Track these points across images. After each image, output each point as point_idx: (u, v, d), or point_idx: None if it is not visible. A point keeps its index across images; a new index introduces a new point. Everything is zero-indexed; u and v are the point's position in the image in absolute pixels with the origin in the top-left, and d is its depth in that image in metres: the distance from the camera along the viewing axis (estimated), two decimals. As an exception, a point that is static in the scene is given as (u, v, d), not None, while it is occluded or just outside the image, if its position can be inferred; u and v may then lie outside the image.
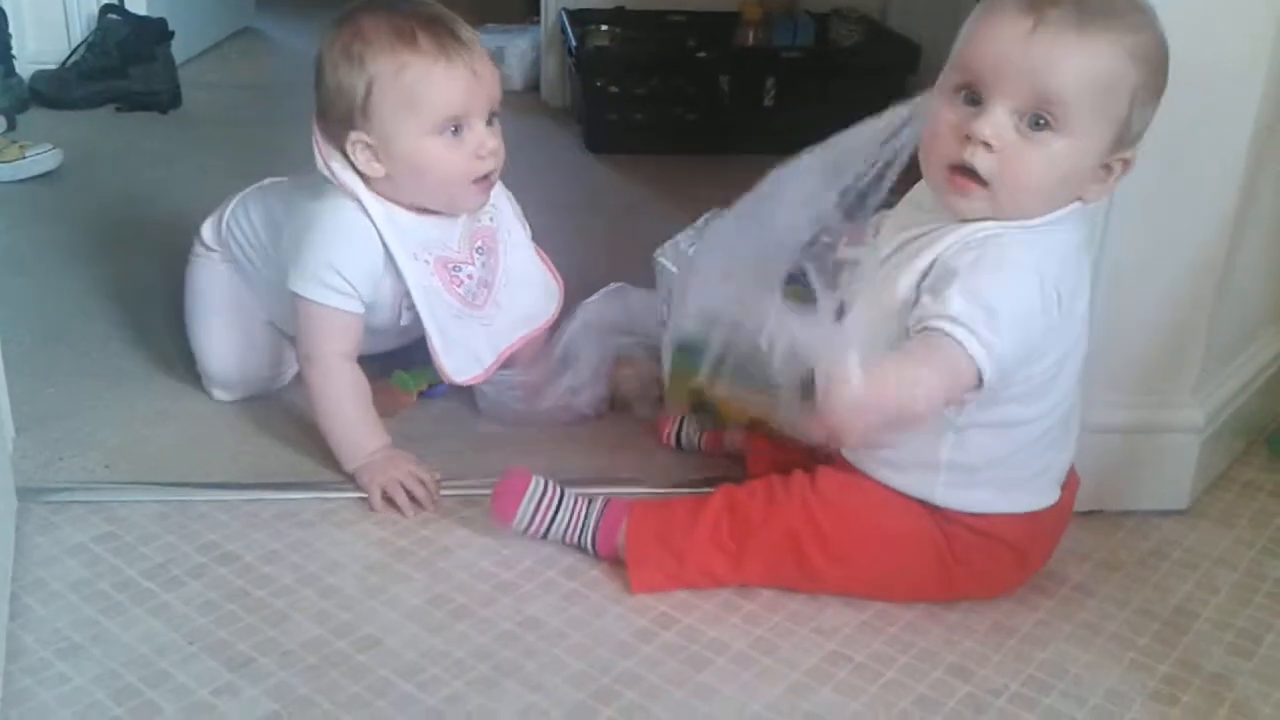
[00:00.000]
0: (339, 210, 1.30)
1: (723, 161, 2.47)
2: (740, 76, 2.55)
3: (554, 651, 1.07)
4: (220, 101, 2.83)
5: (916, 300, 1.02)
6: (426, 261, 1.32)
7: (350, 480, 1.30)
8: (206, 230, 1.49)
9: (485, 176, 1.31)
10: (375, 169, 1.29)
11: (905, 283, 1.03)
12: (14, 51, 2.62)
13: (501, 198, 1.41)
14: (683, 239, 1.40)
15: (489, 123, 1.30)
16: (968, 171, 1.00)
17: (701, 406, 1.37)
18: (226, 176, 1.55)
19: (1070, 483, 1.16)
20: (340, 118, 1.28)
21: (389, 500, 1.26)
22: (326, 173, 1.30)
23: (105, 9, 2.75)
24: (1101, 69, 0.97)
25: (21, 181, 2.16)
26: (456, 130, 1.28)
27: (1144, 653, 1.11)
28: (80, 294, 1.74)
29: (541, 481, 1.19)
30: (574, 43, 2.63)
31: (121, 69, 2.67)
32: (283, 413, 1.43)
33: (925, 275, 1.03)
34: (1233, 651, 1.12)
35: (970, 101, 1.00)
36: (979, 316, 0.97)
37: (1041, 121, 0.98)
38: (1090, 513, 1.26)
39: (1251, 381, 1.41)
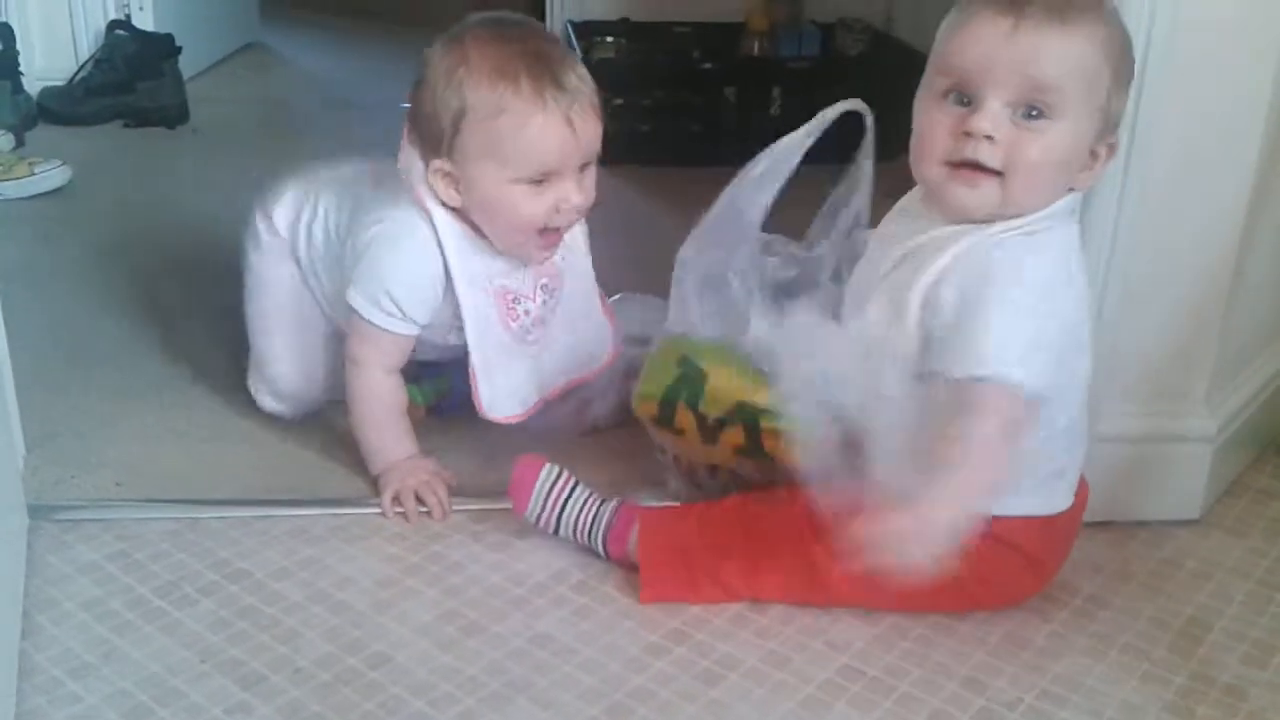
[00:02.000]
0: (405, 235, 1.27)
1: (730, 172, 2.47)
2: (746, 87, 2.55)
3: (565, 667, 1.07)
4: (228, 116, 2.83)
5: (927, 316, 1.02)
6: (487, 290, 1.30)
7: (370, 490, 1.31)
8: (280, 215, 1.41)
9: (556, 229, 1.28)
10: (452, 197, 1.25)
11: (916, 294, 1.03)
12: (22, 68, 2.63)
13: (578, 235, 1.38)
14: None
15: (582, 171, 1.26)
16: (972, 165, 1.02)
17: (666, 419, 1.22)
18: (235, 190, 1.55)
19: (1080, 491, 1.15)
20: (429, 138, 1.24)
21: (398, 506, 1.27)
22: (405, 184, 1.28)
23: (113, 25, 2.76)
24: (1084, 56, 1.00)
25: (30, 198, 2.17)
26: (543, 180, 1.23)
27: (1158, 664, 1.10)
28: (90, 310, 1.74)
29: (554, 470, 1.20)
30: (579, 54, 2.63)
31: (129, 85, 2.68)
32: (293, 429, 1.43)
33: (932, 289, 1.03)
34: (1247, 662, 1.11)
35: (960, 102, 1.02)
36: (1014, 351, 0.98)
37: (1035, 111, 1.00)
38: (1103, 523, 1.26)
39: (1263, 390, 1.40)
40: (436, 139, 1.24)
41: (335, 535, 1.24)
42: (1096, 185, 1.14)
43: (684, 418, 1.18)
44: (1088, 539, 1.20)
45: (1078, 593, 1.19)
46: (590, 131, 1.24)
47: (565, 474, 1.21)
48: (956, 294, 1.01)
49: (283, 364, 1.43)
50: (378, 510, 1.28)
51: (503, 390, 1.33)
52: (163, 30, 2.82)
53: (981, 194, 1.02)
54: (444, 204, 1.27)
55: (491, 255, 1.30)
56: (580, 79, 1.24)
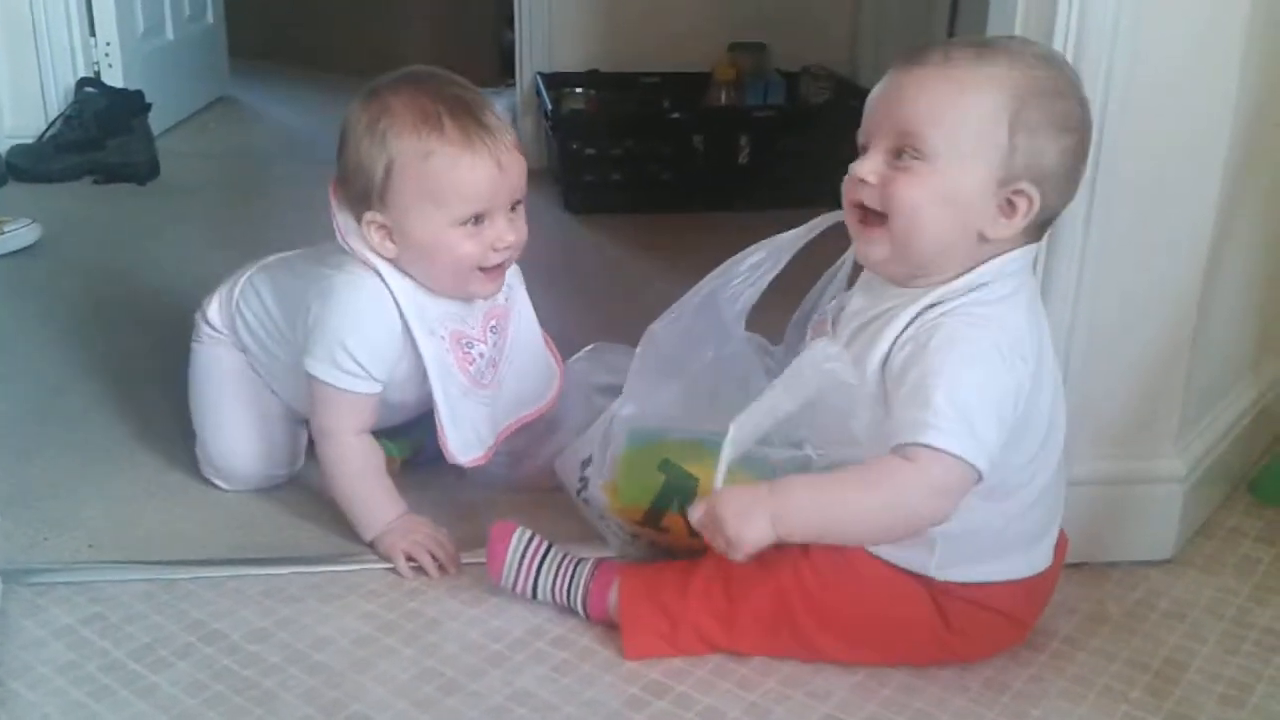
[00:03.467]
0: (358, 286, 1.28)
1: (700, 219, 2.50)
2: (714, 136, 2.58)
3: (546, 723, 1.06)
4: (198, 171, 2.84)
5: (887, 385, 1.04)
6: (443, 337, 1.31)
7: (346, 547, 1.30)
8: (213, 311, 1.45)
9: (497, 266, 1.30)
10: (388, 249, 1.27)
11: (873, 365, 1.05)
12: (-10, 126, 2.63)
13: (515, 276, 1.40)
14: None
15: (513, 210, 1.28)
16: (866, 213, 1.06)
17: (652, 522, 1.17)
18: (207, 247, 1.56)
19: (1060, 544, 1.16)
20: (358, 194, 1.26)
21: (412, 562, 1.26)
22: (345, 245, 1.29)
23: (82, 82, 2.77)
24: (960, 98, 1.01)
25: (0, 257, 2.16)
26: (477, 221, 1.26)
27: (1136, 705, 1.11)
28: (61, 369, 1.73)
29: (525, 535, 1.20)
30: (549, 106, 2.66)
31: (99, 141, 2.69)
32: (266, 489, 1.43)
33: (886, 359, 1.05)
34: (1224, 702, 1.12)
35: (863, 153, 1.07)
36: (952, 416, 0.98)
37: (908, 154, 1.03)
38: (1076, 565, 1.27)
39: (1231, 429, 1.42)
40: (366, 192, 1.25)
41: (311, 594, 1.24)
42: (1059, 232, 1.16)
43: (672, 519, 1.15)
44: (1062, 581, 1.20)
45: (1054, 635, 1.20)
46: (516, 168, 1.27)
47: (537, 539, 1.20)
48: (905, 363, 1.03)
49: (230, 445, 1.42)
50: (352, 568, 1.28)
51: (468, 434, 1.35)
52: (132, 86, 2.83)
53: (876, 244, 1.06)
54: (384, 257, 1.28)
55: (439, 301, 1.31)
56: (499, 119, 1.27)
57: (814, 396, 1.03)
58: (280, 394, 1.44)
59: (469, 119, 1.24)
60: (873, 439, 1.03)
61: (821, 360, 1.03)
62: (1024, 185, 1.02)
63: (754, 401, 1.05)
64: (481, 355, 1.35)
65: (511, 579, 1.19)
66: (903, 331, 1.04)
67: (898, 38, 2.74)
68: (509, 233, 1.27)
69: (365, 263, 1.28)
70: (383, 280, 1.28)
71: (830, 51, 2.85)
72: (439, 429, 1.32)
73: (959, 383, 0.99)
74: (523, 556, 1.19)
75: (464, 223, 1.25)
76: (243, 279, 1.45)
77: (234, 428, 1.42)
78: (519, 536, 1.20)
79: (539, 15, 2.81)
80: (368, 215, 1.26)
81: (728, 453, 1.03)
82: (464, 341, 1.34)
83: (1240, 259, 1.34)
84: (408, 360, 1.31)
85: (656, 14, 2.83)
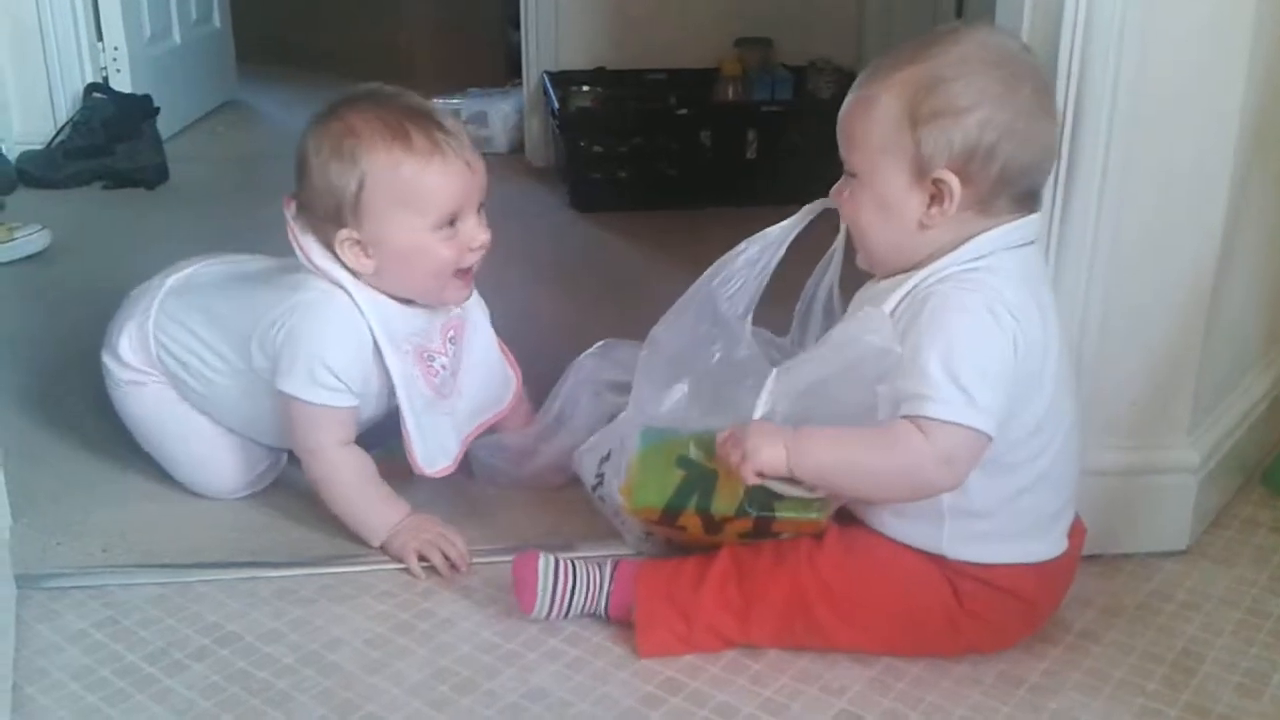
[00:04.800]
0: (326, 304, 1.29)
1: (707, 215, 2.50)
2: (721, 132, 2.58)
3: (561, 722, 1.06)
4: (207, 175, 2.84)
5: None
6: (407, 351, 1.32)
7: (357, 548, 1.30)
8: (126, 352, 1.41)
9: (469, 269, 1.32)
10: (365, 264, 1.28)
11: None
12: (1, 133, 2.63)
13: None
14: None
15: (479, 212, 1.30)
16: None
17: (669, 521, 1.16)
18: (216, 251, 1.55)
19: (1076, 531, 1.16)
20: (328, 214, 1.27)
21: (425, 561, 1.26)
22: (309, 266, 1.29)
23: (90, 88, 2.77)
24: (867, 115, 1.08)
25: (10, 263, 2.17)
26: (452, 223, 1.27)
27: (1153, 698, 1.10)
28: (73, 375, 1.73)
29: (551, 563, 1.18)
30: (556, 104, 2.66)
31: (108, 147, 2.69)
32: (278, 489, 1.43)
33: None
34: (1241, 693, 1.11)
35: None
36: (949, 386, 1.01)
37: (850, 175, 1.11)
38: (1091, 557, 1.26)
39: (1244, 419, 1.41)
40: (337, 210, 1.26)
41: (324, 595, 1.24)
42: (1071, 225, 1.17)
43: (689, 518, 1.14)
44: (1077, 573, 1.20)
45: (1070, 628, 1.19)
46: (481, 168, 1.30)
47: (563, 563, 1.18)
48: (902, 333, 1.05)
49: (198, 473, 1.41)
50: (364, 569, 1.28)
51: (434, 446, 1.35)
52: (140, 91, 2.83)
53: (859, 252, 1.14)
54: (352, 273, 1.28)
55: (405, 315, 1.32)
56: (457, 123, 1.30)
57: (855, 362, 1.06)
58: (228, 422, 1.40)
59: (432, 125, 1.26)
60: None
61: (867, 329, 1.06)
62: (940, 174, 1.05)
63: (798, 360, 1.11)
64: (444, 367, 1.36)
65: (545, 609, 1.17)
66: (895, 308, 1.08)
67: (904, 31, 2.73)
68: (481, 232, 1.30)
69: (334, 281, 1.29)
70: (351, 297, 1.29)
71: (836, 46, 2.84)
72: (406, 443, 1.32)
73: (953, 350, 1.02)
74: (554, 586, 1.17)
75: (440, 226, 1.27)
76: (152, 309, 1.41)
77: (195, 456, 1.41)
78: (545, 564, 1.17)
79: (545, 14, 2.81)
80: (341, 234, 1.26)
81: (765, 399, 1.08)
82: (426, 355, 1.34)
83: (1252, 250, 1.33)
84: (377, 375, 1.31)
85: (662, 11, 2.83)
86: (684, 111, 2.64)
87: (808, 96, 2.77)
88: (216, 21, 3.52)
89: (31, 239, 2.21)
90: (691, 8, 2.84)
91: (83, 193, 2.66)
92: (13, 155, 2.68)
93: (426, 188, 1.25)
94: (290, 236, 1.31)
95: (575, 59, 2.83)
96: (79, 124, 2.71)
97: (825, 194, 1.16)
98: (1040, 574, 1.12)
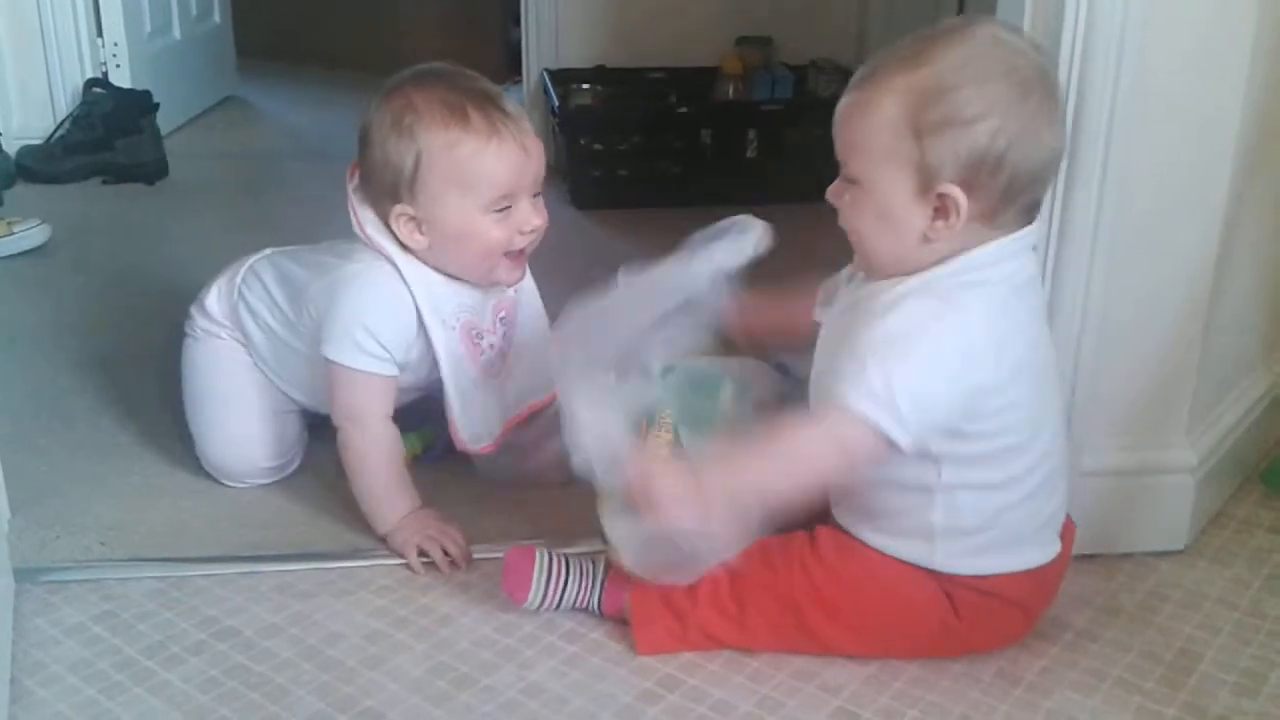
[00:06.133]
0: (374, 274, 1.30)
1: (707, 214, 2.47)
2: (721, 130, 2.58)
3: (558, 718, 1.06)
4: (207, 171, 2.84)
5: None
6: (454, 328, 1.33)
7: (358, 543, 1.30)
8: (213, 302, 1.45)
9: (521, 251, 1.33)
10: (418, 240, 1.29)
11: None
12: (0, 128, 2.63)
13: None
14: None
15: (535, 196, 1.31)
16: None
17: None
18: (216, 246, 1.56)
19: (1067, 531, 1.16)
20: (385, 188, 1.28)
21: (425, 556, 1.26)
22: (363, 236, 1.31)
23: (90, 83, 2.77)
24: (866, 120, 1.03)
25: (9, 258, 2.17)
26: (504, 206, 1.28)
27: (1150, 697, 1.10)
28: (71, 369, 1.73)
29: (545, 557, 1.18)
30: (556, 102, 2.66)
31: (107, 142, 2.69)
32: (277, 483, 1.43)
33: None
34: (1237, 692, 1.11)
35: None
36: (877, 384, 0.99)
37: (851, 178, 1.06)
38: (1089, 556, 1.26)
39: (1243, 419, 1.42)
40: (394, 186, 1.27)
41: (323, 590, 1.24)
42: (1070, 226, 1.17)
43: None
44: (1075, 572, 1.20)
45: (1068, 627, 1.19)
46: (539, 153, 1.30)
47: (556, 557, 1.19)
48: (853, 328, 1.04)
49: (229, 441, 1.42)
50: (364, 564, 1.28)
51: (477, 423, 1.36)
52: (140, 87, 2.83)
53: (856, 256, 1.10)
54: (404, 248, 1.29)
55: (453, 291, 1.33)
56: (518, 107, 1.31)
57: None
58: (285, 384, 1.44)
59: (492, 108, 1.26)
60: None
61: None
62: (945, 188, 1.01)
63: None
64: (491, 346, 1.37)
65: (538, 602, 1.18)
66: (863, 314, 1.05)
67: (905, 30, 2.73)
68: (535, 216, 1.30)
69: (381, 253, 1.30)
70: (398, 270, 1.30)
71: (837, 45, 2.84)
72: (450, 418, 1.34)
73: (903, 356, 0.99)
74: (548, 580, 1.18)
75: (493, 208, 1.27)
76: (244, 267, 1.46)
77: (233, 424, 1.42)
78: (540, 560, 1.18)
79: (545, 12, 2.81)
80: (397, 209, 1.28)
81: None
82: (474, 333, 1.35)
83: (1251, 251, 1.33)
84: (418, 347, 1.32)
85: (663, 9, 2.83)
86: (684, 110, 2.64)
87: (808, 95, 2.76)
88: (217, 17, 3.52)
89: (30, 234, 2.21)
90: (692, 6, 2.84)
91: (82, 188, 2.66)
92: (12, 150, 2.67)
93: (481, 169, 1.25)
94: (350, 206, 1.32)
95: (576, 57, 2.83)
96: (79, 119, 2.71)
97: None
98: (1034, 579, 1.12)
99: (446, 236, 1.28)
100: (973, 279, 1.03)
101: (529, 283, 1.43)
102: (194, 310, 1.48)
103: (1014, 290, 1.05)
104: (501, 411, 1.39)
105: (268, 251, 1.48)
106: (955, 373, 1.01)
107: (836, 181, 1.08)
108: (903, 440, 1.00)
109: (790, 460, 1.03)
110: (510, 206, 1.28)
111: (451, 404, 1.33)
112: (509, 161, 1.26)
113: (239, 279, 1.45)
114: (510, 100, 1.30)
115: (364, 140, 1.29)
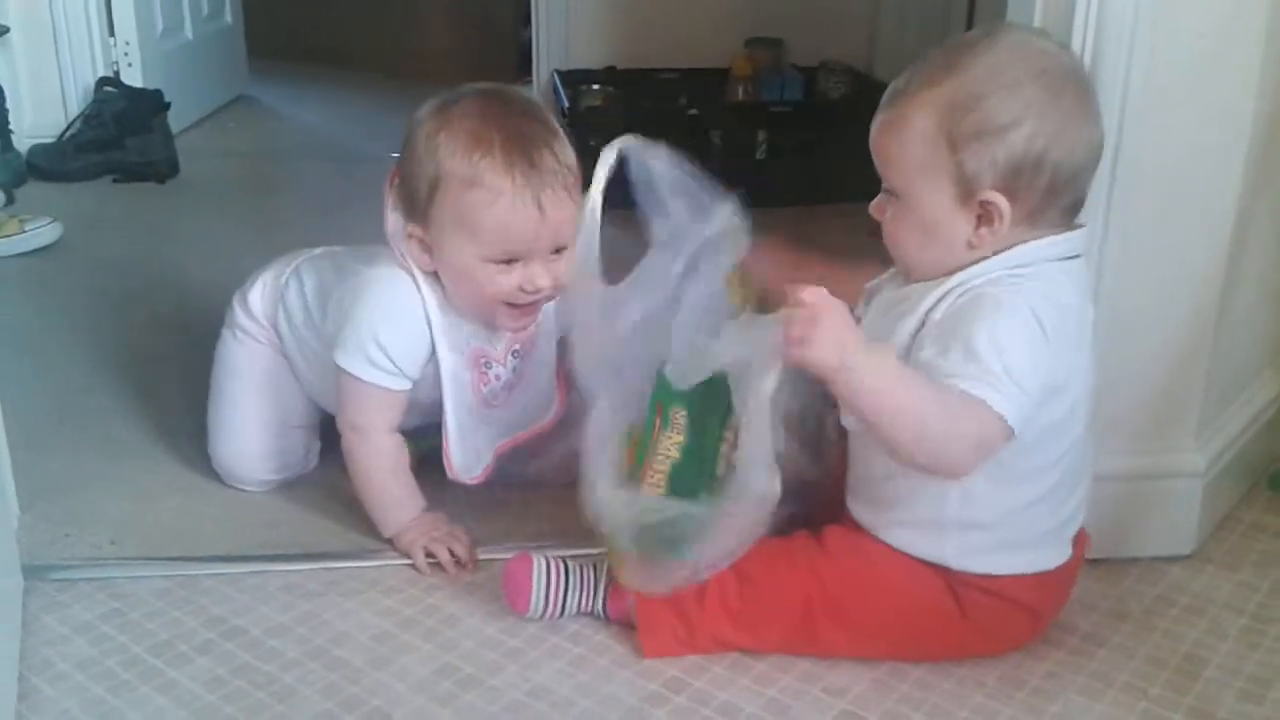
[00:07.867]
0: (392, 284, 1.27)
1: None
2: (731, 131, 2.58)
3: None
4: (217, 170, 2.85)
5: (914, 358, 1.03)
6: (463, 351, 1.30)
7: (365, 543, 1.31)
8: (255, 296, 1.43)
9: (524, 305, 1.26)
10: (424, 262, 1.25)
11: (901, 340, 1.05)
12: (11, 126, 2.64)
13: (549, 305, 1.33)
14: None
15: (555, 252, 1.23)
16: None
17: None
18: (227, 245, 1.56)
19: (1079, 539, 1.16)
20: (408, 202, 1.24)
21: (432, 558, 1.26)
22: (390, 242, 1.27)
23: (101, 82, 2.78)
24: (900, 135, 1.04)
25: (21, 256, 2.18)
26: (510, 261, 1.22)
27: (1156, 702, 1.10)
28: (81, 367, 1.74)
29: (544, 563, 1.18)
30: (566, 103, 2.66)
31: (118, 140, 2.70)
32: (286, 485, 1.43)
33: (915, 335, 1.05)
34: (1244, 698, 1.11)
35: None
36: (1007, 380, 0.97)
37: (891, 192, 1.07)
38: (1096, 561, 1.26)
39: (1251, 424, 1.41)
40: (413, 203, 1.24)
41: (330, 590, 1.24)
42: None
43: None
44: (1082, 577, 1.19)
45: (1074, 631, 1.19)
46: (561, 214, 1.20)
47: (555, 563, 1.19)
48: (952, 319, 1.02)
49: (242, 447, 1.42)
50: (371, 564, 1.28)
51: (470, 454, 1.34)
52: (151, 86, 2.84)
53: (899, 266, 1.11)
54: (419, 269, 1.27)
55: (465, 318, 1.30)
56: (558, 160, 1.21)
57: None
58: (308, 383, 1.42)
59: (520, 155, 1.19)
60: None
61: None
62: (987, 195, 1.01)
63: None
64: (498, 378, 1.34)
65: (540, 610, 1.18)
66: (934, 305, 1.04)
67: (915, 32, 2.73)
68: (543, 278, 1.23)
69: (402, 264, 1.27)
70: (416, 284, 1.27)
71: (847, 46, 2.85)
72: (445, 446, 1.32)
73: (1005, 348, 0.98)
74: (548, 588, 1.18)
75: (494, 260, 1.22)
76: (290, 267, 1.43)
77: (251, 430, 1.42)
78: (538, 566, 1.18)
79: (556, 12, 2.82)
80: (409, 227, 1.25)
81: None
82: (484, 361, 1.32)
83: (1261, 254, 1.33)
84: (433, 366, 1.30)
85: (673, 10, 2.83)
86: (694, 111, 2.64)
87: (818, 97, 2.77)
88: (228, 17, 3.53)
89: (42, 232, 2.22)
90: (703, 7, 2.84)
91: (93, 186, 2.67)
92: (24, 148, 2.69)
93: (488, 221, 1.19)
94: (385, 209, 1.28)
95: (586, 57, 2.84)
96: (90, 118, 2.72)
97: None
98: (1044, 583, 1.12)
99: (448, 270, 1.25)
100: (1024, 274, 1.03)
101: (551, 322, 1.37)
102: (236, 303, 1.45)
103: (1070, 292, 1.05)
104: (490, 440, 1.37)
105: (317, 251, 1.45)
106: (1046, 355, 1.00)
107: (878, 197, 1.09)
108: (1018, 432, 0.99)
109: (958, 425, 0.98)
110: (515, 262, 1.22)
111: (449, 431, 1.31)
112: (520, 220, 1.19)
113: (284, 279, 1.42)
114: (553, 150, 1.21)
115: (406, 142, 1.25)
